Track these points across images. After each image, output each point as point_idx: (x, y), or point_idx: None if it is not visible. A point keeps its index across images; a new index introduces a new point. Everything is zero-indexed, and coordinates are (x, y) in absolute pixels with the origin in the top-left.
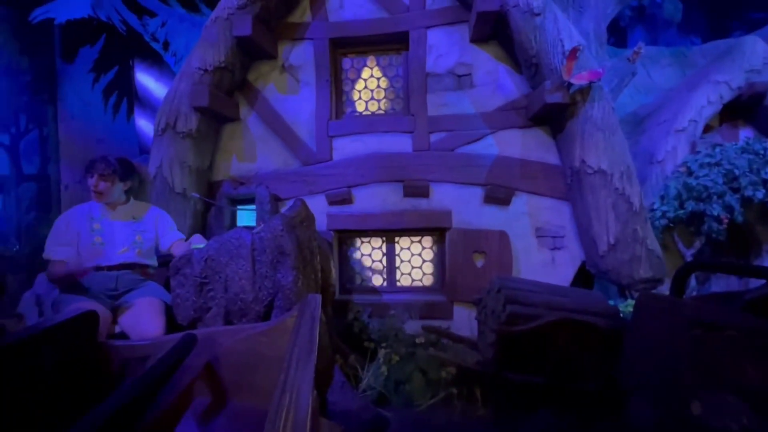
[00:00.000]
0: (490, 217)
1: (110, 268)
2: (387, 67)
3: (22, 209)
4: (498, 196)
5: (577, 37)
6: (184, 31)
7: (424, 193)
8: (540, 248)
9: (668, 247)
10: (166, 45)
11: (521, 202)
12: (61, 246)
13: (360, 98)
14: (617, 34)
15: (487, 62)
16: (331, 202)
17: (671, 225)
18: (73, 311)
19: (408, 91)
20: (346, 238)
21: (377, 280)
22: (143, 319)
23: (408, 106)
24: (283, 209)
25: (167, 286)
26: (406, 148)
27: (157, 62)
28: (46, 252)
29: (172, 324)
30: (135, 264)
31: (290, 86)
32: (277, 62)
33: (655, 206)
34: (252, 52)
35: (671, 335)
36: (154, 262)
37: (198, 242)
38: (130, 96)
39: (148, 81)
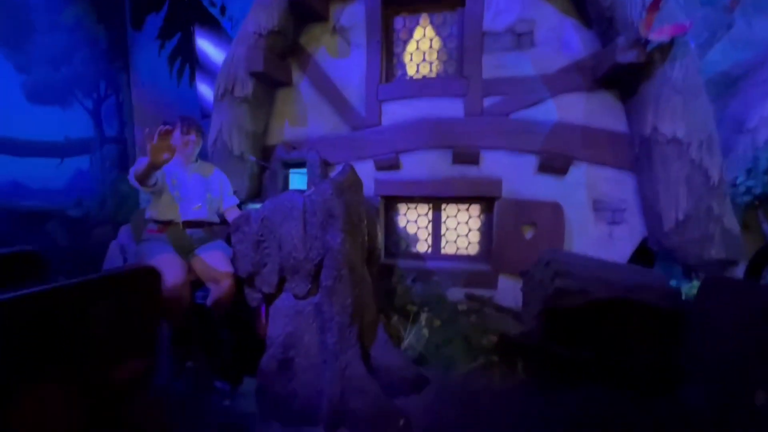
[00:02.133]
0: (544, 188)
1: (185, 224)
2: (441, 26)
3: (105, 169)
4: (554, 165)
5: None
6: None
7: (474, 161)
8: (597, 222)
9: (750, 227)
10: (222, 10)
11: (580, 172)
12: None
13: (411, 60)
14: None
15: (551, 17)
16: (379, 168)
17: (756, 202)
18: (161, 260)
19: (462, 51)
20: (392, 203)
21: (422, 247)
22: (215, 263)
23: (461, 68)
24: (332, 174)
25: (227, 242)
26: (457, 113)
27: (215, 27)
28: (129, 175)
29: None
30: (205, 221)
31: (341, 49)
32: (328, 24)
33: (739, 181)
34: (304, 14)
35: (743, 322)
36: (217, 220)
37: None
38: (191, 62)
39: (207, 46)
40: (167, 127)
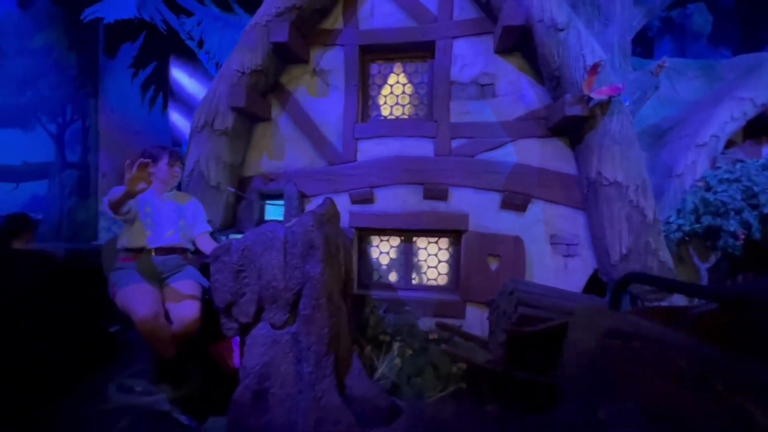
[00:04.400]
0: (506, 223)
1: (157, 250)
2: (413, 74)
3: (64, 194)
4: (515, 203)
5: (599, 53)
6: (217, 30)
7: (443, 197)
8: (554, 255)
9: (684, 260)
10: (200, 43)
11: (537, 209)
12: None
13: (386, 103)
14: (644, 44)
15: (510, 73)
16: (354, 201)
17: (686, 239)
18: (131, 290)
19: (432, 97)
20: (366, 235)
21: (393, 278)
22: (183, 304)
23: (431, 113)
24: (310, 206)
25: (202, 270)
26: (427, 153)
27: (191, 59)
28: (103, 203)
29: (209, 304)
30: (178, 247)
31: (320, 89)
32: (308, 66)
33: (671, 219)
34: (286, 56)
35: (592, 344)
36: (191, 247)
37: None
38: (165, 91)
39: (182, 77)
40: (147, 160)
